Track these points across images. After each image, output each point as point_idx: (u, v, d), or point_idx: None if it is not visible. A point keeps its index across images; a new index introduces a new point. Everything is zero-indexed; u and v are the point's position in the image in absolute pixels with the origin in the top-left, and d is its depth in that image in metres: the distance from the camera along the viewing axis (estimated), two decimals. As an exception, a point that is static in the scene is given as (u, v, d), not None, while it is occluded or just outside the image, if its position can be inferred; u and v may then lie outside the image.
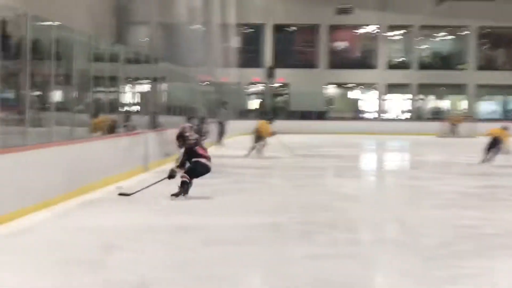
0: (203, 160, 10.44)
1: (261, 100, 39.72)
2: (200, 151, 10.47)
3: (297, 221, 8.64)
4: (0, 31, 7.76)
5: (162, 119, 16.53)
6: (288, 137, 30.92)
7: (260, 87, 40.27)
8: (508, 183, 13.87)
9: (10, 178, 8.08)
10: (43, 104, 10.57)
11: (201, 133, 17.04)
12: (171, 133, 16.70)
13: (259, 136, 19.09)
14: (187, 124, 11.72)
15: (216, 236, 7.58)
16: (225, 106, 23.76)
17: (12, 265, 6.14)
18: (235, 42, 38.45)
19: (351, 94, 41.93)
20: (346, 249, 7.10)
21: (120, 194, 10.35)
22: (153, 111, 15.93)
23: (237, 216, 9.02)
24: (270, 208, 9.74)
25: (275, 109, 39.05)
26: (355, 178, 15.09)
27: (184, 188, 10.25)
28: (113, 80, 12.99)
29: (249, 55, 39.86)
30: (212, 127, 18.97)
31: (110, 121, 10.69)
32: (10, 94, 11.35)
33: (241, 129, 28.66)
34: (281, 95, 40.41)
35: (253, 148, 19.10)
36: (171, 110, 17.93)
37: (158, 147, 15.49)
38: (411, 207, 10.35)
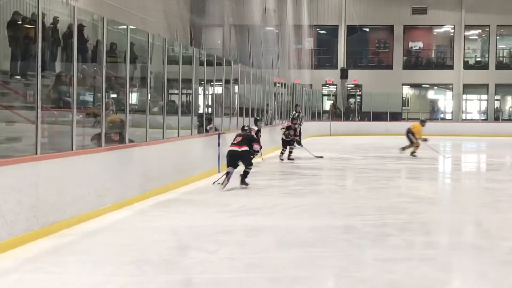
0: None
1: (334, 101, 39.53)
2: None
3: (370, 224, 8.56)
4: (77, 35, 7.98)
5: (234, 121, 16.66)
6: (360, 138, 30.82)
7: (333, 88, 40.07)
8: None
9: (88, 178, 8.31)
10: (119, 106, 10.82)
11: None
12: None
13: (413, 137, 19.72)
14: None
15: (289, 238, 7.58)
16: (298, 109, 23.66)
17: (87, 264, 6.29)
18: (308, 43, 38.40)
19: (427, 95, 41.25)
20: (421, 252, 6.99)
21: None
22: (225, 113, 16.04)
23: (310, 218, 9.01)
24: (343, 210, 9.68)
25: (348, 110, 38.81)
26: (431, 180, 14.83)
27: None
28: (187, 82, 13.17)
29: (323, 57, 39.73)
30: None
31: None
32: (89, 97, 11.67)
33: (314, 130, 28.63)
34: (354, 96, 40.11)
35: (408, 147, 19.69)
36: (243, 111, 18.04)
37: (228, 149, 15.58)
38: (489, 209, 10.10)
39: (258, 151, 12.83)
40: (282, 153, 18.16)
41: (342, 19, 39.09)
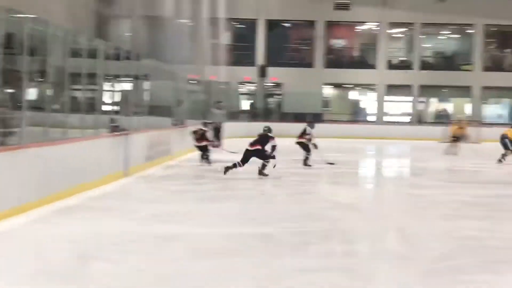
0: None
1: (252, 100, 39.71)
2: None
3: (290, 232, 8.63)
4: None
5: (144, 120, 16.51)
6: (280, 140, 30.99)
7: (251, 87, 40.26)
8: (514, 192, 13.92)
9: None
10: (16, 102, 10.52)
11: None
12: (156, 135, 16.74)
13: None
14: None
15: (203, 247, 7.56)
16: (219, 106, 23.50)
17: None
18: (225, 38, 38.46)
19: (349, 95, 41.99)
20: (342, 262, 7.10)
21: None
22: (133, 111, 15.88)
23: (227, 226, 9.01)
24: (262, 217, 9.73)
25: (267, 111, 39.08)
26: (352, 186, 15.10)
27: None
28: (92, 78, 12.95)
29: (240, 53, 39.84)
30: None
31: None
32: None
33: (231, 132, 28.65)
34: (273, 95, 40.42)
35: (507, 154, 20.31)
36: (154, 110, 17.90)
37: (141, 150, 15.46)
38: (412, 217, 10.36)
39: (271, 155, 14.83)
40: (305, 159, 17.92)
41: (261, 13, 39.34)
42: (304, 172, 17.10)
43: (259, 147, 14.79)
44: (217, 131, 23.48)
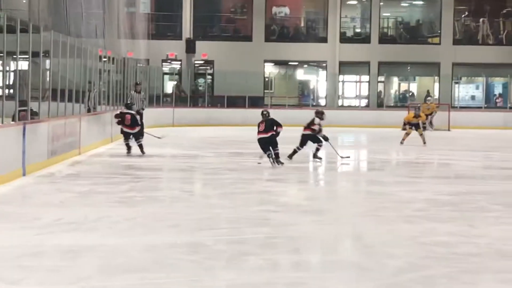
0: None
1: (178, 82, 39.53)
2: None
3: (224, 240, 8.61)
4: None
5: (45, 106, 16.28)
6: (211, 129, 31.06)
7: (177, 65, 40.07)
8: (488, 188, 14.17)
9: None
10: None
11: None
12: (61, 125, 16.52)
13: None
14: None
15: (119, 261, 7.48)
16: (138, 89, 23.26)
17: None
18: (144, 6, 38.16)
19: (296, 75, 42.19)
20: (288, 276, 7.10)
21: None
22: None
23: (147, 234, 8.94)
24: (190, 223, 9.69)
25: (195, 94, 38.97)
26: (301, 184, 15.16)
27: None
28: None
29: (163, 24, 39.63)
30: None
31: None
32: None
33: (153, 119, 28.49)
34: (204, 75, 40.32)
35: None
36: (57, 94, 17.67)
37: (42, 144, 15.24)
38: (372, 220, 10.44)
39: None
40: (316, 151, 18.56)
41: (187, -25, 39.19)
42: (243, 167, 17.14)
43: (273, 132, 16.80)
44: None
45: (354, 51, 40.41)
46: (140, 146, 18.90)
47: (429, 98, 36.61)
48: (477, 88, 42.26)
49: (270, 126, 16.86)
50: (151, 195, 12.58)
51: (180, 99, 37.50)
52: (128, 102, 20.80)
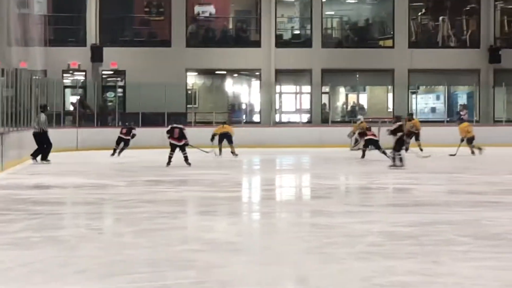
0: None
1: (82, 96, 39.21)
2: None
3: (142, 287, 8.51)
4: None
5: None
6: (123, 153, 30.83)
7: (81, 77, 39.80)
8: (455, 217, 14.28)
9: None
10: None
11: None
12: None
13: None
14: None
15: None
16: (45, 110, 23.86)
17: None
18: (39, 7, 37.88)
19: (223, 86, 42.20)
20: (219, 329, 7.04)
21: None
22: None
23: (46, 283, 8.81)
24: (99, 268, 9.56)
25: (103, 111, 38.67)
26: (232, 216, 15.10)
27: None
28: None
29: (64, 27, 39.38)
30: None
31: None
32: None
33: (53, 141, 28.21)
34: (113, 88, 40.10)
35: None
36: None
37: None
38: (317, 259, 10.43)
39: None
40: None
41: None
42: (162, 199, 17.01)
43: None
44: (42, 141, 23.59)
45: (293, 57, 40.57)
46: (186, 158, 25.16)
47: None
48: (437, 98, 42.81)
49: None
50: (51, 234, 12.40)
51: (85, 117, 37.17)
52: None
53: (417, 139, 31.62)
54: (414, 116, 34.43)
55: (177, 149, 25.30)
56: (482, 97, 41.80)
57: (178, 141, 25.29)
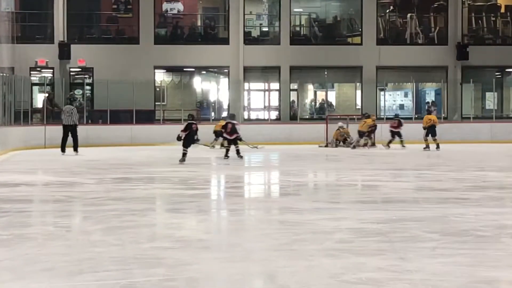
0: None
1: (50, 94, 39.03)
2: None
3: (110, 285, 8.50)
4: None
5: None
6: (91, 151, 30.72)
7: (49, 74, 39.60)
8: (422, 213, 14.33)
9: None
10: None
11: None
12: None
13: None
14: None
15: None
16: (75, 100, 24.26)
17: None
18: (5, 3, 37.67)
19: (192, 83, 42.15)
20: (188, 326, 7.04)
21: None
22: None
23: (14, 281, 8.77)
24: (68, 266, 9.53)
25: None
26: (200, 214, 15.09)
27: None
28: None
29: (30, 24, 39.18)
30: None
31: None
32: None
33: (19, 140, 28.06)
34: (81, 85, 39.94)
35: None
36: None
37: None
38: (286, 256, 10.43)
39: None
40: None
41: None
42: (130, 196, 16.99)
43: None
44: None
45: (261, 54, 40.61)
46: (237, 151, 27.44)
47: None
48: (405, 95, 42.98)
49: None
50: (19, 232, 12.36)
51: (52, 115, 36.98)
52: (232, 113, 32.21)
53: (369, 136, 33.88)
54: (381, 114, 34.60)
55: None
56: (450, 94, 42.02)
57: (229, 135, 27.76)
